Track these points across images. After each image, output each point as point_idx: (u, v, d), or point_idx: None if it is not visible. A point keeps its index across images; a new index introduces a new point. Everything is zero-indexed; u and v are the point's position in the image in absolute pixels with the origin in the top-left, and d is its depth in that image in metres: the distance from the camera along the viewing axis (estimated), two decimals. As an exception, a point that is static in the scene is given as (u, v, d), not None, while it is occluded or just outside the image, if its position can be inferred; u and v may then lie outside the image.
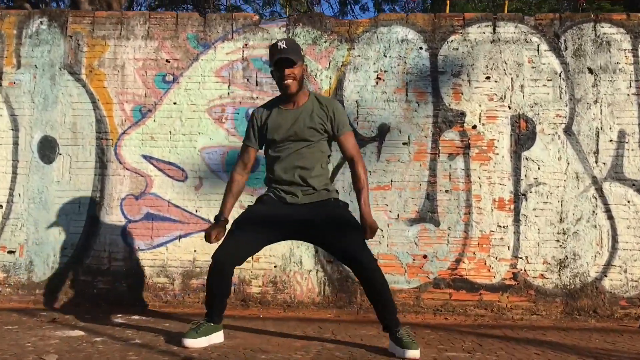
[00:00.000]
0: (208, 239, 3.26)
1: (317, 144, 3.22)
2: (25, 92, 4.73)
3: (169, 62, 4.73)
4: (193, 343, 3.09)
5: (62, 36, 4.78)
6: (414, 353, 2.97)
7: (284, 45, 3.13)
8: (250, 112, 4.59)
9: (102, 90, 4.72)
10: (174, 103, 4.69)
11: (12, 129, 4.72)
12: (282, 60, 3.10)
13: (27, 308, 4.38)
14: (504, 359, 3.08)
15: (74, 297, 4.56)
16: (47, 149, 4.70)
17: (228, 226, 3.32)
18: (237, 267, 3.21)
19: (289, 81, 3.14)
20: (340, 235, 3.07)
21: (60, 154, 4.69)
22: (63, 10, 4.91)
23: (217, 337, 3.23)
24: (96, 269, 4.61)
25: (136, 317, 4.06)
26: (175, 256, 4.59)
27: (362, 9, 17.62)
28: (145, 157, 4.67)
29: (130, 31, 4.77)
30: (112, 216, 4.64)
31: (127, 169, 4.67)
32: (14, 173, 4.69)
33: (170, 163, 4.66)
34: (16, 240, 4.65)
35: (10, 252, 4.64)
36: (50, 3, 14.67)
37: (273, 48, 3.16)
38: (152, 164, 4.66)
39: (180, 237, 4.61)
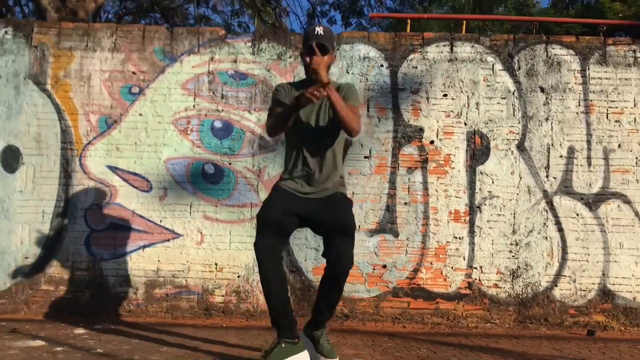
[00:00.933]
0: (314, 95, 2.76)
1: (336, 135, 3.10)
2: (-11, 101, 4.74)
3: (135, 74, 4.79)
4: None
5: (27, 46, 4.80)
6: None
7: (321, 32, 3.04)
8: (216, 124, 4.71)
9: (68, 101, 4.76)
10: (140, 114, 4.75)
11: (-26, 138, 4.72)
12: (316, 45, 2.96)
13: (-13, 318, 4.36)
14: (456, 365, 3.23)
15: (36, 307, 4.56)
16: (10, 158, 4.70)
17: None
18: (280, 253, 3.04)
19: (316, 67, 2.86)
20: (335, 229, 2.95)
21: (23, 164, 4.71)
22: (28, 21, 4.93)
23: (304, 357, 2.90)
24: (59, 279, 4.62)
25: (99, 326, 4.10)
26: (139, 266, 4.64)
27: (329, 22, 17.76)
28: (110, 167, 4.71)
29: (97, 43, 4.82)
30: (76, 226, 4.67)
31: (91, 179, 4.70)
32: (-24, 182, 4.69)
33: (135, 174, 4.71)
34: (-23, 249, 4.63)
35: (-30, 261, 4.62)
36: (14, 9, 14.48)
37: (310, 32, 3.06)
38: (117, 174, 4.71)
39: (144, 246, 4.65)
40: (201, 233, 4.67)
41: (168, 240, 4.66)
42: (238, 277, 4.65)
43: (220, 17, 17.69)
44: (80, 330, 3.92)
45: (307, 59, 2.98)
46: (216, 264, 4.65)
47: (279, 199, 3.04)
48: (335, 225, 2.96)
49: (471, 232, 4.68)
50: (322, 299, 3.06)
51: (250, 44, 4.84)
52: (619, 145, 4.74)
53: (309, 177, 3.05)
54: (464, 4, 11.70)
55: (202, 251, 4.66)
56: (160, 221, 4.67)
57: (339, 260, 2.87)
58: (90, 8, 9.72)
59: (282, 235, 3.00)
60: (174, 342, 3.61)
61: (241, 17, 16.96)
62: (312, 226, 3.13)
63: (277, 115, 3.02)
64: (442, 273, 4.65)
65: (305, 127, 3.05)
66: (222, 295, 4.63)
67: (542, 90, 4.80)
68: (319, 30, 3.05)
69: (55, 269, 4.64)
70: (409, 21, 5.43)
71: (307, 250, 4.65)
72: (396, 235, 4.67)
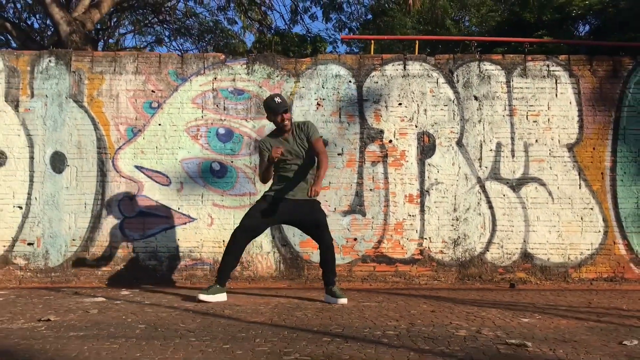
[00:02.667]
0: (276, 154, 4.53)
1: (306, 156, 4.75)
2: (38, 116, 5.96)
3: (154, 92, 6.02)
4: (205, 298, 4.55)
5: (67, 71, 6.01)
6: (342, 300, 4.54)
7: (280, 100, 4.69)
8: (220, 131, 5.95)
9: (101, 115, 5.99)
10: (159, 124, 5.99)
11: (28, 146, 5.94)
12: (283, 110, 4.66)
13: (47, 287, 5.63)
14: (401, 305, 4.56)
15: (83, 278, 5.84)
16: (58, 162, 5.94)
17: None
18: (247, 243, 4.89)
19: (287, 122, 4.69)
20: (313, 221, 4.76)
21: (68, 166, 5.94)
22: (68, 51, 6.13)
23: (222, 297, 4.67)
24: (100, 256, 5.89)
25: (137, 290, 5.39)
26: (163, 244, 5.92)
27: (311, 18, 18.94)
28: (137, 167, 5.96)
29: (123, 67, 6.04)
30: (112, 214, 5.93)
31: (122, 176, 5.95)
32: (31, 181, 5.92)
33: (157, 171, 5.96)
34: (34, 234, 5.89)
35: (29, 243, 5.88)
36: (24, 19, 15.50)
37: (272, 103, 4.67)
38: (143, 172, 5.96)
39: (166, 229, 5.93)
40: (211, 217, 5.94)
41: (185, 223, 5.93)
42: (241, 250, 5.93)
43: (207, 11, 18.71)
44: (125, 292, 5.21)
45: (279, 119, 4.70)
46: (223, 241, 5.93)
47: (262, 204, 4.78)
48: (314, 221, 4.75)
49: (422, 211, 6.00)
50: (326, 268, 4.79)
51: (245, 66, 6.09)
52: (536, 141, 6.05)
53: (290, 187, 4.73)
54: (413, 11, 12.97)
55: (212, 231, 5.94)
56: (179, 208, 5.94)
57: (323, 241, 4.78)
58: (95, 18, 10.87)
59: (253, 230, 4.80)
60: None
61: (228, 12, 17.98)
62: (295, 223, 4.94)
63: (264, 170, 4.73)
64: (399, 243, 5.98)
65: (287, 159, 4.72)
66: (229, 265, 5.92)
67: (476, 98, 6.09)
68: (277, 99, 4.70)
69: (96, 248, 5.90)
70: (372, 43, 6.69)
71: (294, 228, 5.95)
72: (364, 214, 5.98)
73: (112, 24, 18.11)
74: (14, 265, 5.85)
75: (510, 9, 15.25)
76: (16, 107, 5.96)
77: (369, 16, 14.81)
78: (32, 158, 5.94)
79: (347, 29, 16.84)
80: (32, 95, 5.98)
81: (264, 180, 4.89)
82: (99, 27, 16.51)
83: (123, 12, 17.31)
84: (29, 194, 5.92)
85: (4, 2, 15.51)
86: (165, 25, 18.18)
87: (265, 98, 4.95)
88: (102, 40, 17.67)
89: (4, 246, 5.85)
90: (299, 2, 16.91)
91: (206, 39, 18.45)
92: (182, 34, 18.32)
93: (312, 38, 17.11)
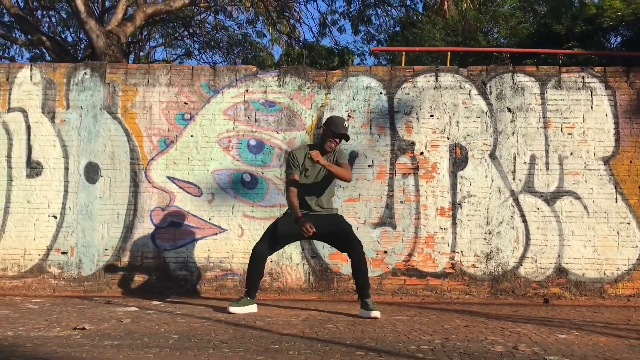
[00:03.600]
0: (307, 231, 4.56)
1: (331, 179, 4.82)
2: (73, 127, 6.06)
3: (187, 104, 6.09)
4: (235, 310, 4.57)
5: (101, 83, 6.12)
6: (375, 313, 4.48)
7: (347, 126, 4.87)
8: (251, 142, 5.98)
9: (134, 126, 6.07)
10: (191, 136, 6.05)
11: (63, 157, 6.04)
12: (342, 135, 4.72)
13: (80, 296, 5.69)
14: (434, 319, 4.49)
15: (115, 287, 5.89)
16: (91, 172, 6.03)
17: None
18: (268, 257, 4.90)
19: (333, 146, 4.75)
20: (338, 231, 4.77)
21: (101, 176, 6.02)
22: (102, 63, 6.25)
23: (252, 309, 4.69)
24: (132, 265, 5.94)
25: (167, 300, 5.41)
26: (193, 254, 5.95)
27: (339, 31, 19.03)
28: (169, 177, 6.01)
29: (156, 79, 6.13)
30: (144, 224, 5.98)
31: (155, 187, 6.01)
32: (66, 191, 6.01)
33: (189, 182, 6.01)
34: (68, 243, 5.97)
35: (63, 253, 5.96)
36: (59, 32, 15.89)
37: (340, 122, 4.77)
38: (175, 183, 6.01)
39: (197, 239, 5.96)
40: (241, 228, 5.96)
41: (216, 234, 5.96)
42: (271, 261, 5.92)
43: (236, 24, 18.95)
44: (156, 302, 5.24)
45: (330, 139, 4.74)
46: (253, 252, 5.94)
47: (284, 220, 4.87)
48: (340, 231, 4.78)
49: (454, 224, 5.93)
50: (358, 279, 4.72)
51: (276, 78, 6.12)
52: (571, 153, 5.95)
53: (312, 204, 4.80)
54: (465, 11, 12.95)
55: (243, 242, 5.95)
56: (210, 219, 5.97)
57: (354, 251, 4.72)
58: (128, 32, 11.08)
59: (273, 247, 4.86)
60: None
61: (256, 25, 18.19)
62: (320, 237, 4.85)
63: (290, 204, 4.80)
64: (431, 257, 5.91)
65: (311, 182, 4.80)
66: (259, 276, 5.92)
67: (509, 110, 6.02)
68: (347, 124, 4.99)
69: (128, 258, 5.96)
70: (403, 54, 6.68)
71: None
72: (394, 227, 5.93)
73: (143, 37, 18.44)
74: (48, 273, 5.93)
75: (540, 21, 15.11)
76: (52, 119, 6.07)
77: (397, 28, 14.80)
78: (67, 168, 6.04)
79: (375, 41, 16.90)
80: (68, 107, 6.10)
81: (287, 199, 4.89)
82: (130, 40, 16.82)
83: (154, 26, 17.60)
84: (64, 203, 6.01)
85: (39, 16, 15.97)
86: (195, 39, 18.44)
87: (335, 115, 5.10)
88: (132, 53, 18.02)
89: (39, 255, 5.95)
90: (327, 15, 17.05)
91: (235, 52, 18.67)
92: (211, 46, 18.58)
93: (340, 50, 17.20)
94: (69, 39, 17.03)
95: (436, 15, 10.55)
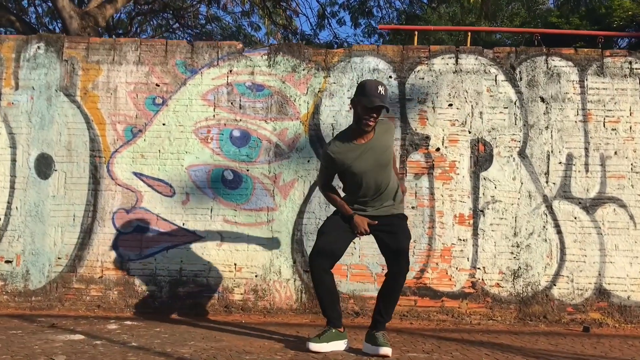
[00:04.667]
0: (364, 230, 3.68)
1: (389, 165, 3.74)
2: (23, 112, 5.07)
3: (158, 86, 5.11)
4: (316, 347, 3.53)
5: (58, 60, 5.13)
6: (385, 350, 3.46)
7: (383, 92, 3.47)
8: (234, 133, 5.02)
9: (96, 112, 5.09)
10: (163, 124, 5.07)
11: (10, 147, 5.06)
12: (379, 107, 3.47)
13: (24, 314, 4.71)
14: (458, 358, 3.52)
15: (68, 304, 4.91)
16: (44, 166, 5.04)
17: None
18: (330, 267, 3.70)
19: (371, 123, 3.54)
20: (392, 238, 3.68)
21: (55, 170, 5.04)
22: (59, 36, 5.26)
23: (339, 345, 3.62)
24: (89, 278, 4.96)
25: (129, 322, 4.43)
26: (163, 266, 4.97)
27: (339, 23, 18.05)
28: (136, 174, 5.04)
29: (123, 57, 5.14)
30: (105, 228, 5.00)
31: (118, 184, 5.03)
32: (12, 188, 5.03)
33: (159, 180, 5.03)
34: (13, 250, 4.98)
35: (7, 261, 4.97)
36: (46, 23, 14.93)
37: (372, 88, 3.46)
38: (142, 180, 5.03)
39: (168, 248, 4.98)
40: (221, 235, 4.98)
41: (190, 242, 4.98)
42: (256, 276, 4.96)
43: (230, 17, 18.02)
44: (112, 326, 4.26)
45: (365, 113, 3.50)
46: (235, 264, 4.97)
47: (338, 219, 3.77)
48: (396, 244, 3.68)
49: (475, 235, 4.97)
50: (385, 299, 3.71)
51: (266, 57, 5.15)
52: (615, 153, 5.00)
53: (368, 202, 3.74)
54: (472, 5, 12.04)
55: (222, 252, 4.98)
56: (183, 224, 5.00)
57: (398, 265, 3.66)
58: (108, 14, 10.09)
59: (338, 248, 3.72)
60: (201, 336, 3.94)
61: (251, 17, 17.27)
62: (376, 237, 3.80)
63: (331, 200, 3.85)
64: (447, 273, 4.95)
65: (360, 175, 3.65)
66: (241, 294, 4.95)
67: (543, 100, 5.07)
68: (381, 90, 3.46)
69: (86, 269, 4.98)
70: (416, 33, 5.71)
71: (320, 251, 4.96)
72: (404, 237, 4.96)
73: (135, 29, 17.51)
74: (-13, 286, 4.95)
75: (545, 21, 14.23)
76: (-2, 101, 5.09)
77: (401, 21, 13.88)
78: (14, 161, 5.05)
79: (376, 35, 15.96)
80: (17, 87, 5.11)
81: (322, 192, 3.96)
82: (120, 32, 15.90)
83: (145, 17, 16.73)
84: (9, 202, 5.02)
85: (26, 4, 14.91)
86: (186, 31, 17.56)
87: (365, 80, 3.65)
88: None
89: (-23, 264, 4.96)
90: (326, 6, 16.10)
91: (229, 45, 17.75)
92: (204, 39, 17.65)
93: (339, 44, 16.24)
94: (55, 27, 15.98)
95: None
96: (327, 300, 3.69)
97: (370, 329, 3.65)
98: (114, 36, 16.51)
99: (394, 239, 3.66)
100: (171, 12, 16.36)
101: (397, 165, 3.79)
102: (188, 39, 17.97)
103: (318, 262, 3.62)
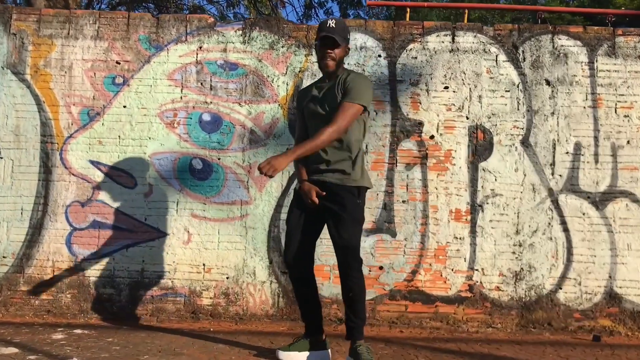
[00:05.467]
0: (309, 202, 3.13)
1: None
2: (-35, 91, 4.49)
3: (119, 63, 4.54)
4: (283, 356, 3.16)
5: (5, 34, 4.55)
6: None
7: (333, 25, 3.14)
8: (204, 117, 4.48)
9: (48, 92, 4.51)
10: (124, 106, 4.51)
11: (-51, 131, 4.47)
12: (326, 38, 3.11)
13: (-39, 321, 4.13)
14: (457, 376, 3.01)
15: (14, 309, 4.34)
16: (-12, 153, 4.46)
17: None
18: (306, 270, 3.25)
19: (329, 61, 3.14)
20: (335, 222, 3.09)
21: (1, 158, 4.47)
22: (7, 7, 4.67)
23: (316, 356, 3.19)
24: (39, 279, 4.39)
25: (79, 331, 3.87)
26: (122, 266, 4.41)
27: (326, 13, 17.52)
28: (92, 162, 4.47)
29: (79, 31, 4.57)
30: (57, 223, 4.43)
31: (73, 174, 4.46)
32: (-49, 177, 4.44)
33: (119, 169, 4.47)
34: (-48, 248, 4.40)
35: (-55, 260, 4.39)
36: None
37: (322, 24, 3.17)
38: (100, 169, 4.47)
39: (128, 246, 4.42)
40: (188, 232, 4.43)
41: (153, 239, 4.43)
42: (227, 278, 4.42)
43: (215, 7, 17.47)
44: (58, 335, 3.69)
45: (320, 52, 3.17)
46: (204, 265, 4.42)
47: (294, 199, 3.33)
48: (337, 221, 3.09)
49: (472, 232, 4.46)
50: (348, 305, 3.16)
51: (240, 32, 4.60)
52: (628, 142, 4.51)
53: (320, 162, 3.17)
54: None
55: (189, 251, 4.43)
56: (145, 219, 4.44)
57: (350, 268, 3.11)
58: (79, -2, 9.48)
59: (311, 241, 3.28)
60: (158, 348, 3.39)
61: (237, 8, 16.73)
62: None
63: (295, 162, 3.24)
64: (441, 275, 4.43)
65: (312, 116, 3.22)
66: (210, 298, 4.40)
67: (548, 83, 4.56)
68: (330, 23, 3.15)
69: (34, 269, 4.41)
70: (408, 10, 5.18)
71: (300, 250, 4.43)
72: (393, 235, 4.45)
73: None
74: None
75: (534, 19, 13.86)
76: (-64, 79, 4.50)
77: (392, 9, 13.40)
78: (-47, 146, 4.47)
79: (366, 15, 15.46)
80: (-42, 64, 4.52)
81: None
82: (84, 6, 15.28)
83: (128, 6, 16.18)
84: (-52, 194, 4.44)
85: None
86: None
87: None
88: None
89: None
90: (314, -5, 15.58)
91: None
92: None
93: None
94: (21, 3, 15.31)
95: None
96: (305, 308, 3.28)
97: (348, 338, 3.13)
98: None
99: (337, 223, 3.08)
100: (154, 1, 15.83)
101: (334, 121, 3.03)
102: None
103: (290, 272, 3.26)
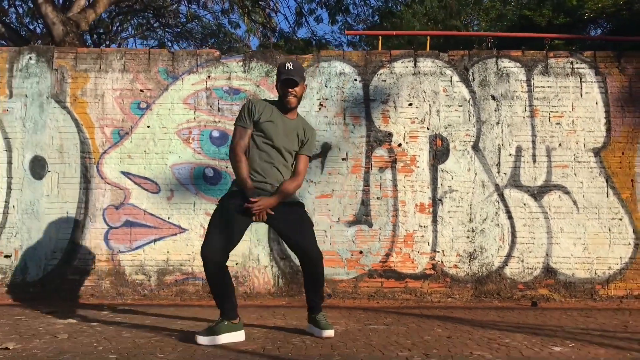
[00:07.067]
0: (261, 217, 3.55)
1: (292, 156, 3.73)
2: (17, 118, 5.48)
3: (142, 91, 5.54)
4: (203, 340, 3.42)
5: (48, 69, 5.54)
6: (328, 332, 3.71)
7: (291, 67, 3.61)
8: (214, 133, 5.46)
9: (85, 116, 5.51)
10: (148, 126, 5.51)
11: (6, 150, 5.46)
12: (287, 80, 3.58)
13: (23, 305, 5.13)
14: (413, 329, 4.03)
15: (64, 294, 5.34)
16: (38, 167, 5.46)
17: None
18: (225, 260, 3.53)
19: (291, 98, 3.63)
20: (297, 230, 3.63)
21: (49, 171, 5.46)
22: (49, 47, 5.66)
23: (235, 337, 3.50)
24: (83, 269, 5.40)
25: (120, 308, 4.88)
26: (151, 257, 5.42)
27: (316, 20, 18.44)
28: (123, 173, 5.47)
29: (109, 65, 5.57)
30: (96, 224, 5.44)
31: (108, 183, 5.46)
32: (9, 188, 5.44)
33: (145, 178, 5.47)
34: (12, 246, 5.40)
35: (6, 256, 5.39)
36: (26, 23, 15.15)
37: (282, 67, 3.62)
38: (130, 178, 5.47)
39: (155, 240, 5.43)
40: (204, 227, 5.43)
41: (175, 234, 5.44)
42: (236, 264, 5.43)
43: (210, 15, 18.30)
44: (106, 311, 4.71)
45: (282, 91, 3.63)
46: (217, 254, 5.43)
47: (232, 203, 3.66)
48: (295, 217, 3.69)
49: (434, 221, 5.48)
50: (312, 289, 3.79)
51: (241, 63, 5.60)
52: (560, 144, 5.53)
53: (270, 181, 3.64)
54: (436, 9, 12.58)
55: (205, 243, 5.43)
56: (169, 218, 5.45)
57: (309, 256, 3.64)
58: (90, 19, 10.42)
59: (232, 239, 3.61)
60: (186, 317, 4.41)
61: (231, 15, 17.57)
62: (272, 224, 3.73)
63: (237, 164, 3.57)
64: (410, 257, 5.45)
65: (276, 141, 3.63)
66: (223, 280, 5.41)
67: (494, 98, 5.58)
68: (289, 65, 3.63)
69: (79, 261, 5.41)
70: (380, 38, 6.20)
71: (294, 240, 5.44)
72: (370, 225, 5.47)
73: (116, 28, 17.75)
74: (-12, 279, 5.37)
75: (520, 14, 14.76)
76: (-7, 108, 5.49)
77: (376, 18, 14.33)
78: (10, 163, 5.46)
79: (347, 38, 16.38)
80: (11, 95, 5.51)
81: (234, 162, 3.60)
82: (101, 31, 16.13)
83: (126, 16, 16.98)
84: (7, 202, 5.44)
85: (6, 6, 15.14)
86: (167, 30, 17.84)
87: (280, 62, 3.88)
88: (104, 44, 17.31)
89: (-22, 259, 5.38)
90: (304, 3, 16.47)
91: (209, 43, 18.05)
92: (184, 37, 17.96)
93: (317, 41, 16.65)
94: (38, 30, 16.21)
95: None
96: (220, 292, 3.57)
97: (311, 313, 3.82)
98: (95, 36, 16.80)
99: (296, 228, 3.64)
100: (152, 11, 16.61)
101: (300, 175, 3.73)
102: (169, 38, 18.27)
103: (213, 259, 3.47)
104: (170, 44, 18.19)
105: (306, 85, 3.90)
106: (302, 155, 3.76)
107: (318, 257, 3.66)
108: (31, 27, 16.56)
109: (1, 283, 5.36)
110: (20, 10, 16.37)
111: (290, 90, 3.63)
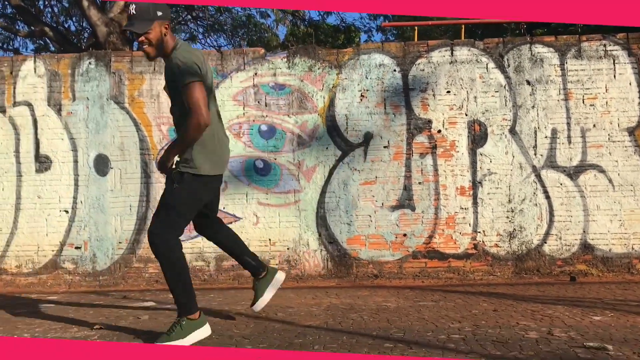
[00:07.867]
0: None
1: (181, 103, 3.06)
2: (81, 119, 5.92)
3: (194, 90, 5.91)
4: (170, 344, 3.13)
5: (107, 73, 5.95)
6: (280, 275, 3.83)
7: (134, 12, 2.94)
8: (262, 127, 5.81)
9: (143, 116, 5.92)
10: (201, 123, 5.88)
11: (72, 150, 5.91)
12: (130, 25, 2.97)
13: (95, 291, 5.59)
14: (460, 304, 4.35)
15: (131, 281, 5.80)
16: (101, 165, 5.90)
17: None
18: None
19: (145, 48, 3.04)
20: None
21: (112, 168, 5.89)
22: (107, 52, 6.07)
23: (201, 334, 3.28)
24: (147, 258, 5.83)
25: (185, 292, 5.29)
26: (209, 244, 5.80)
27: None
28: (180, 167, 5.86)
29: (162, 66, 5.94)
30: (157, 215, 5.85)
31: (166, 177, 5.86)
32: (76, 185, 5.89)
33: (200, 171, 5.85)
34: (81, 238, 5.86)
35: (77, 247, 5.86)
36: (62, 22, 15.71)
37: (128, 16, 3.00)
38: (186, 172, 5.86)
39: (212, 229, 5.82)
40: (256, 216, 5.82)
41: (230, 222, 5.83)
42: (288, 249, 5.80)
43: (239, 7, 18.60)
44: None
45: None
46: (269, 240, 5.81)
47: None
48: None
49: (475, 203, 5.76)
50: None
51: (285, 59, 5.93)
52: (594, 125, 5.73)
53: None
54: None
55: (258, 230, 5.82)
56: (224, 208, 5.83)
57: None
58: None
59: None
60: (247, 298, 4.80)
61: (269, 19, 17.81)
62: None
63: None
64: (452, 238, 5.75)
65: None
66: (276, 264, 5.80)
67: (528, 83, 5.80)
68: (131, 10, 2.94)
69: (143, 250, 5.85)
70: (416, 28, 6.45)
71: (341, 225, 5.78)
72: (413, 209, 5.77)
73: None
74: (62, 269, 5.84)
75: None
76: (59, 111, 5.93)
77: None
78: (76, 162, 5.91)
79: (382, 17, 16.56)
80: (74, 99, 5.95)
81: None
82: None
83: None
84: (75, 197, 5.89)
85: (42, 7, 15.76)
86: (198, 22, 18.22)
87: None
88: (137, 40, 17.82)
89: (53, 251, 5.85)
90: (333, -9, 16.66)
91: (239, 34, 18.39)
92: (215, 30, 18.32)
93: (346, 28, 16.87)
94: (72, 28, 16.80)
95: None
96: (182, 283, 3.46)
97: (257, 277, 3.85)
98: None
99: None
100: (182, 5, 16.99)
101: (195, 97, 2.98)
102: (200, 31, 18.66)
103: (177, 246, 3.47)
104: (201, 37, 18.59)
105: (168, 22, 3.11)
106: (182, 87, 3.01)
107: (149, 236, 3.43)
108: (66, 26, 17.17)
109: (74, 272, 5.84)
110: (56, 10, 16.98)
111: (139, 40, 3.02)
